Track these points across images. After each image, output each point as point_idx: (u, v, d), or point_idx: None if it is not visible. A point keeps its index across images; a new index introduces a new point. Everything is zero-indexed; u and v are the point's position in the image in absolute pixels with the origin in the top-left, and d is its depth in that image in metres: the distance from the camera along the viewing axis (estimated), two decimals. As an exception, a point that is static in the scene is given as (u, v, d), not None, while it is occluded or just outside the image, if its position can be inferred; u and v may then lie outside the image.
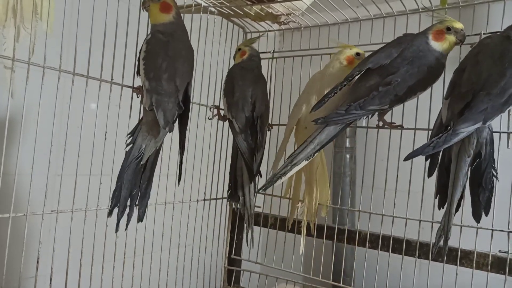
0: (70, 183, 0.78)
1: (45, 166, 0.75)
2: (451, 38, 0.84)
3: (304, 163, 0.89)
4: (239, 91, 1.02)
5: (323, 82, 0.97)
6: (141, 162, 0.83)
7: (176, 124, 0.86)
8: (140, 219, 0.86)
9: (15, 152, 0.78)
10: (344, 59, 0.98)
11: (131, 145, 0.83)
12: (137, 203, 0.85)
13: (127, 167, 0.82)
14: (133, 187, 0.83)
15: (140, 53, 0.84)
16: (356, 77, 0.89)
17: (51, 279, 0.79)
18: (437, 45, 0.84)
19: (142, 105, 0.85)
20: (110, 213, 0.82)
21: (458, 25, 0.84)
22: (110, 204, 0.81)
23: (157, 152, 0.86)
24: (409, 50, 0.84)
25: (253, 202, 1.10)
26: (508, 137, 0.85)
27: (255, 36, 1.17)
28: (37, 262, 0.77)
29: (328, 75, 0.98)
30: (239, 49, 1.11)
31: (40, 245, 0.77)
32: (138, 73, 0.84)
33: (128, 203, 0.83)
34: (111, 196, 0.81)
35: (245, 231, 1.11)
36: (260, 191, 0.95)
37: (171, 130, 0.81)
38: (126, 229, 0.83)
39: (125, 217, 0.83)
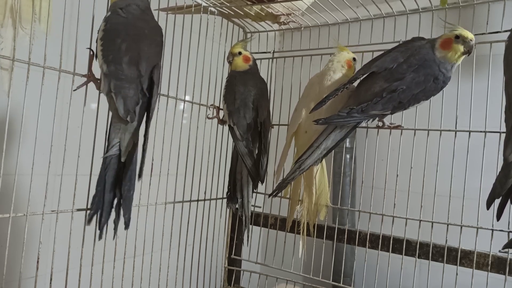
0: (70, 183, 0.78)
1: (45, 166, 0.75)
2: (458, 47, 0.81)
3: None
4: (240, 98, 1.02)
5: (323, 85, 0.97)
6: (121, 160, 0.75)
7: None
8: (127, 226, 0.76)
9: (15, 152, 0.78)
10: (345, 63, 0.98)
11: (106, 143, 0.75)
12: (121, 207, 0.75)
13: (106, 168, 0.74)
14: (115, 189, 0.74)
15: (98, 32, 0.76)
16: (358, 80, 0.89)
17: (51, 279, 0.79)
18: (442, 54, 0.82)
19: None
20: (89, 221, 0.73)
21: (468, 35, 0.80)
22: (89, 211, 0.74)
23: (134, 146, 0.76)
24: (415, 57, 0.82)
25: (250, 204, 1.11)
26: None
27: (250, 37, 1.17)
28: (37, 262, 0.77)
29: (328, 78, 0.98)
30: (239, 53, 1.08)
31: (40, 245, 0.77)
32: (96, 56, 0.77)
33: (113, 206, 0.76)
34: (90, 202, 0.74)
35: (244, 232, 1.12)
36: (270, 196, 0.96)
37: (132, 120, 0.73)
38: (114, 238, 0.76)
39: (109, 224, 0.76)
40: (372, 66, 0.85)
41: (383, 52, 0.91)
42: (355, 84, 0.92)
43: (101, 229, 0.74)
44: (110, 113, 0.82)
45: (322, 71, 1.02)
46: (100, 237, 0.75)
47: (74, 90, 0.78)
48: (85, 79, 0.80)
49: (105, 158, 0.74)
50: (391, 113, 0.86)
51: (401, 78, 0.82)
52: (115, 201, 0.76)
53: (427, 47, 0.83)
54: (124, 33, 0.74)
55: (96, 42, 0.77)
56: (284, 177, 0.93)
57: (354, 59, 1.00)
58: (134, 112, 0.74)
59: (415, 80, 0.81)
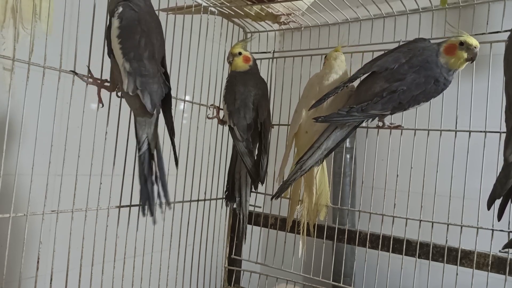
0: (70, 183, 0.78)
1: (45, 166, 0.75)
2: (462, 54, 0.81)
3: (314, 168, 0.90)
4: (240, 98, 1.02)
5: (323, 85, 0.97)
6: (151, 152, 0.79)
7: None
8: (168, 204, 0.80)
9: (15, 152, 0.78)
10: (344, 64, 0.99)
11: (138, 142, 0.78)
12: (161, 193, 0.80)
13: (143, 163, 0.77)
14: (153, 180, 0.79)
15: (110, 30, 0.75)
16: (358, 80, 0.89)
17: (51, 279, 0.79)
18: (445, 59, 0.82)
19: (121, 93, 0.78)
20: (143, 212, 0.77)
21: (472, 42, 0.80)
22: (140, 203, 0.78)
23: (158, 136, 0.81)
24: (418, 58, 0.82)
25: (248, 203, 1.12)
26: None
27: (250, 37, 1.17)
28: (37, 262, 0.77)
29: (327, 78, 0.98)
30: (239, 53, 1.08)
31: (40, 245, 0.77)
32: (110, 54, 0.77)
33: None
34: (139, 197, 0.78)
35: (241, 230, 1.12)
36: (273, 198, 0.96)
37: (158, 113, 0.76)
38: (164, 216, 0.81)
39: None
40: (373, 65, 0.85)
41: (383, 52, 0.91)
42: (355, 83, 0.92)
43: (153, 216, 0.77)
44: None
45: (322, 70, 1.02)
46: (154, 222, 0.78)
47: (101, 107, 0.81)
48: (84, 78, 0.80)
49: (140, 156, 0.77)
50: (391, 114, 0.86)
51: (402, 78, 0.82)
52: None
53: (431, 49, 0.83)
54: (140, 28, 0.74)
55: (107, 39, 0.75)
56: (286, 178, 0.93)
57: None
58: (159, 105, 0.75)
59: (415, 81, 0.81)
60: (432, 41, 0.87)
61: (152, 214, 0.78)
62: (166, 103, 0.81)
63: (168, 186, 0.80)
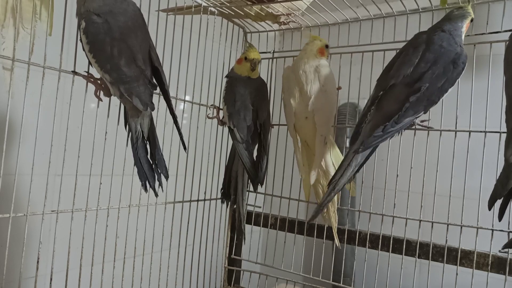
0: (70, 183, 0.78)
1: (45, 166, 0.75)
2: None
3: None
4: (240, 100, 1.02)
5: (298, 75, 0.99)
6: (145, 137, 0.83)
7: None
8: (166, 177, 0.86)
9: (15, 152, 0.78)
10: (317, 51, 1.01)
11: (129, 132, 0.81)
12: (158, 170, 0.85)
13: (137, 149, 0.81)
14: (148, 160, 0.84)
15: (82, 44, 0.75)
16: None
17: (51, 279, 0.79)
18: (464, 35, 0.86)
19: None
20: (145, 189, 0.83)
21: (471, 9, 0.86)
22: (141, 182, 0.82)
23: (151, 122, 0.84)
24: (430, 50, 0.81)
25: (246, 202, 1.12)
26: None
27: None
28: (37, 262, 0.77)
29: (302, 67, 0.99)
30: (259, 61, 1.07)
31: (40, 245, 0.77)
32: (91, 64, 0.78)
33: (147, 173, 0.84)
34: (138, 177, 0.82)
35: (238, 228, 1.13)
36: (309, 222, 0.96)
37: (152, 109, 0.78)
38: (159, 187, 0.85)
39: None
40: (388, 78, 0.83)
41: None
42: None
43: (154, 190, 0.84)
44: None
45: (295, 61, 1.03)
46: (156, 195, 0.85)
47: (101, 105, 0.82)
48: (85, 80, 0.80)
49: (132, 143, 0.81)
50: (424, 113, 0.83)
51: (421, 77, 0.80)
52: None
53: (449, 34, 0.83)
54: (109, 38, 0.73)
55: (85, 51, 0.76)
56: (320, 201, 0.91)
57: (326, 46, 1.02)
58: (151, 102, 0.77)
59: (435, 74, 0.80)
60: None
61: (153, 189, 0.83)
62: (162, 92, 0.84)
63: (166, 164, 0.86)
